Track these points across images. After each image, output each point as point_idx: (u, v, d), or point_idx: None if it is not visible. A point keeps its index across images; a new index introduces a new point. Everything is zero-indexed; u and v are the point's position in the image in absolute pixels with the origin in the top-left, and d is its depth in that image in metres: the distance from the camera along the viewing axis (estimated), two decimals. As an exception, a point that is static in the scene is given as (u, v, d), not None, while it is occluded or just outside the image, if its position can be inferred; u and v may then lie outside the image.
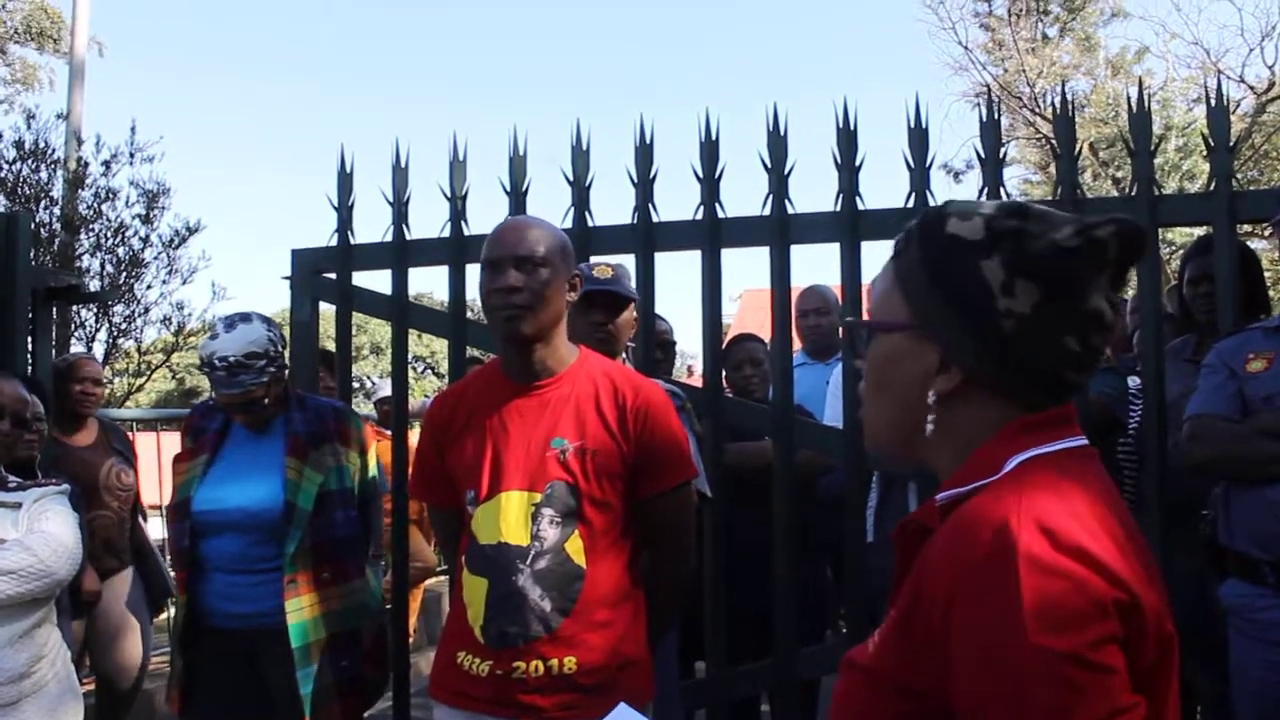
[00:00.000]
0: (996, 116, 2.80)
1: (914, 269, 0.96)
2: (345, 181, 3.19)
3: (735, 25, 67.42)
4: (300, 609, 2.39)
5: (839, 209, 2.76)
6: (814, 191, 2.78)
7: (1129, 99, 2.67)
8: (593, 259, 2.72)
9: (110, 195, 7.04)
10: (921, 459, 1.00)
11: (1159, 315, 2.62)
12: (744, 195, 2.92)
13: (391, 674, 2.85)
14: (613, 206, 2.95)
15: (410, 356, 4.39)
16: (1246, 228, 3.62)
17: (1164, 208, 2.64)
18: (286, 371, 2.58)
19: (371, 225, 3.14)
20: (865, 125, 2.75)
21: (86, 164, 7.07)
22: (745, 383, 3.43)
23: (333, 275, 3.21)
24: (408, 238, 3.13)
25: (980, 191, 2.74)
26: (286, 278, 3.26)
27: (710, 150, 2.86)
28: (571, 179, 2.97)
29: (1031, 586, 0.78)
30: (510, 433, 1.94)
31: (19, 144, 6.84)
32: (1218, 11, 41.61)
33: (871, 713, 0.89)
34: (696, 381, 3.33)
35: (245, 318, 2.47)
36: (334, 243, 3.19)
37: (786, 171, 2.81)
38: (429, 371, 30.84)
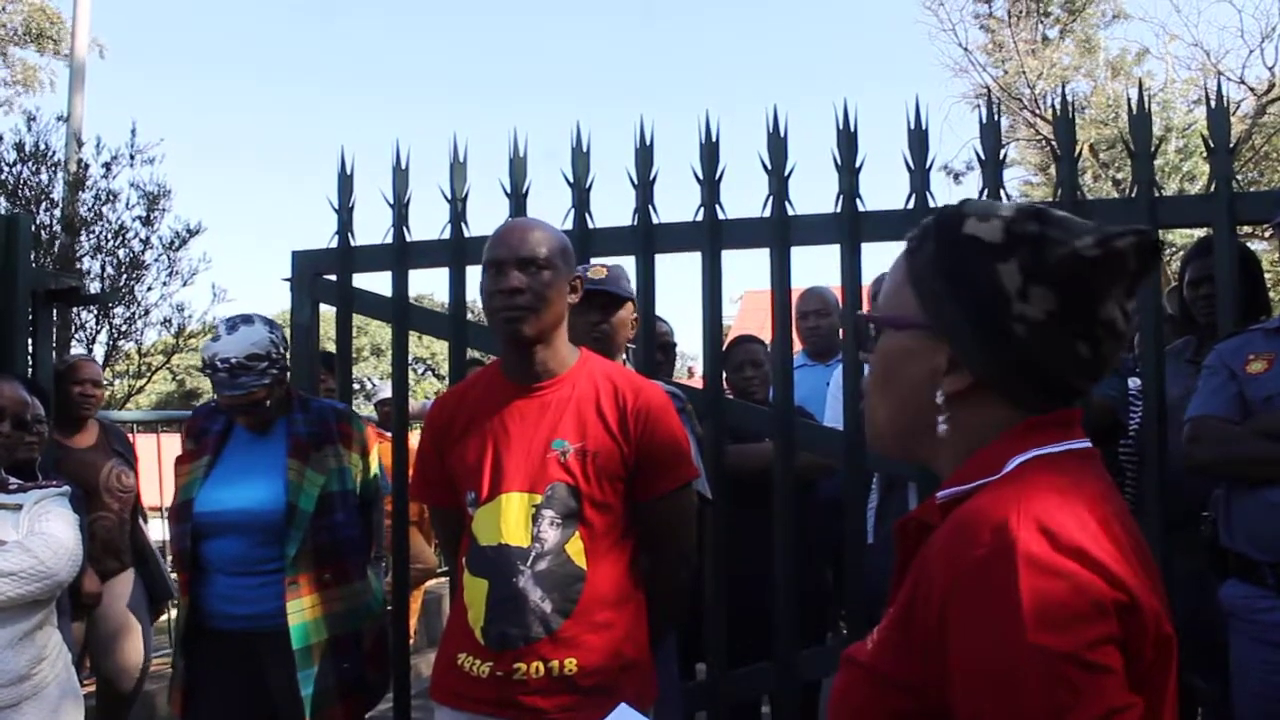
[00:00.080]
0: (996, 118, 2.80)
1: (928, 267, 0.96)
2: (345, 183, 3.19)
3: (735, 27, 67.49)
4: (302, 610, 2.40)
5: (839, 211, 2.76)
6: (814, 193, 2.79)
7: (1129, 101, 2.67)
8: (592, 260, 2.72)
9: (111, 197, 7.03)
10: (921, 457, 1.00)
11: (1159, 316, 2.62)
12: (744, 197, 2.93)
13: (392, 675, 2.85)
14: (613, 208, 2.96)
15: (410, 358, 4.40)
16: (1247, 229, 3.63)
17: (1164, 209, 2.64)
18: (288, 373, 2.58)
19: (372, 227, 3.14)
20: (865, 127, 2.76)
21: (87, 166, 7.06)
22: (746, 384, 3.43)
23: (333, 277, 3.21)
24: (408, 239, 3.13)
25: (980, 193, 2.74)
26: (287, 279, 3.26)
27: (710, 152, 2.86)
28: (571, 180, 2.97)
29: (1030, 586, 0.78)
30: (511, 434, 1.95)
31: (19, 146, 6.83)
32: (1218, 13, 41.73)
33: (870, 710, 0.89)
34: (697, 383, 3.34)
35: (247, 319, 2.48)
36: (334, 244, 3.19)
37: (787, 173, 2.81)
38: (429, 373, 30.84)
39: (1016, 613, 0.78)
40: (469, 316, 3.22)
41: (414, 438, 3.39)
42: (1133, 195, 2.67)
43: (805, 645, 2.84)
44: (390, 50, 67.54)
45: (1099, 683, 0.78)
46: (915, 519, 0.98)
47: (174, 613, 3.74)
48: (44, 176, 6.95)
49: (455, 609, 2.02)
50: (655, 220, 2.92)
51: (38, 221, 6.57)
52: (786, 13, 63.44)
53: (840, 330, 3.49)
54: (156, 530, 4.18)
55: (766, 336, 3.12)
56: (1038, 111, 14.86)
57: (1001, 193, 2.73)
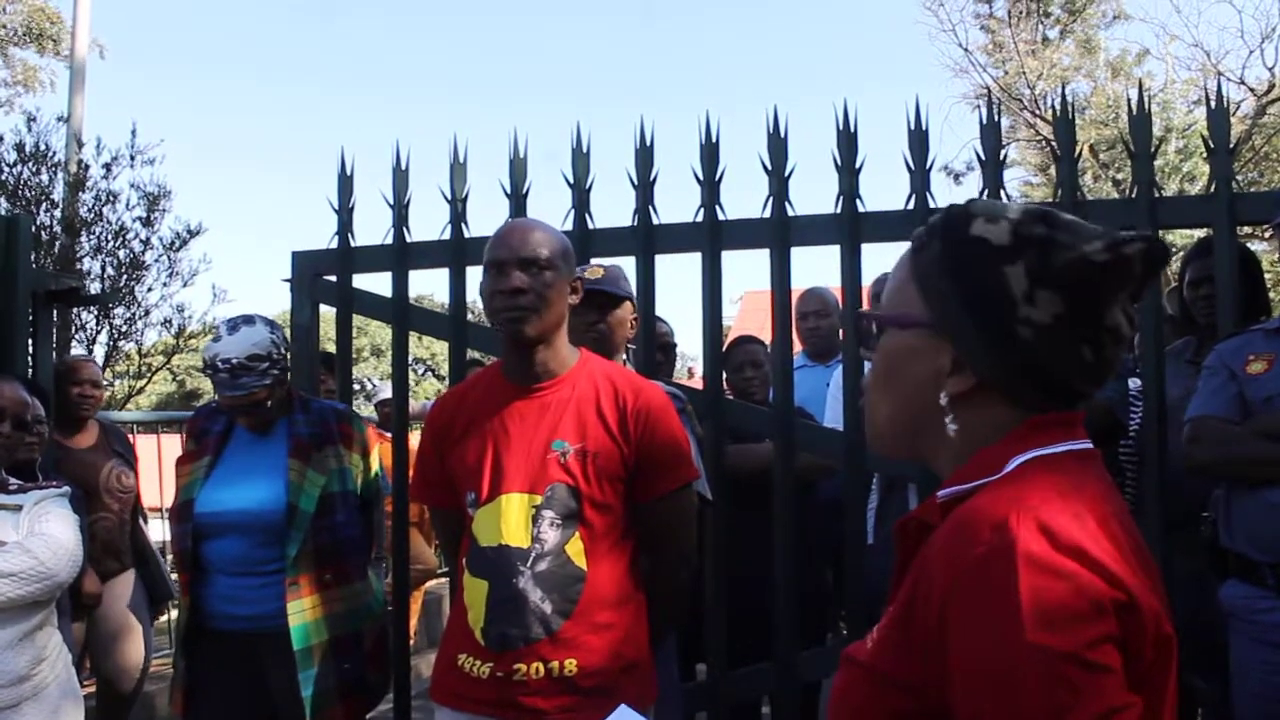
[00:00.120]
0: (997, 118, 2.80)
1: (933, 266, 0.95)
2: (345, 184, 3.19)
3: (735, 27, 67.50)
4: (302, 611, 2.40)
5: (839, 211, 2.76)
6: (814, 194, 2.79)
7: (1129, 101, 2.67)
8: (592, 260, 2.72)
9: (111, 198, 7.03)
10: (921, 455, 1.00)
11: (1159, 317, 2.62)
12: (744, 197, 2.93)
13: (392, 676, 2.85)
14: (613, 208, 2.96)
15: (410, 359, 4.39)
16: (1247, 230, 3.63)
17: (1164, 210, 2.64)
18: (289, 374, 2.58)
19: (372, 227, 3.14)
20: (865, 127, 2.75)
21: (87, 166, 7.06)
22: (746, 385, 3.43)
23: (333, 277, 3.22)
24: (408, 240, 3.13)
25: (980, 193, 2.74)
26: (287, 280, 3.26)
27: (710, 152, 2.86)
28: (571, 181, 2.97)
29: (1030, 585, 0.79)
30: (511, 435, 1.95)
31: (19, 147, 6.83)
32: (1218, 14, 41.70)
33: (869, 709, 0.89)
34: (697, 383, 3.33)
35: (248, 320, 2.48)
36: (334, 245, 3.19)
37: (787, 174, 2.81)
38: (429, 374, 30.84)
39: (1016, 612, 0.78)
40: (469, 317, 3.22)
41: (414, 438, 3.39)
42: (1133, 196, 2.67)
43: (805, 646, 2.84)
44: (390, 50, 67.63)
45: (1099, 682, 0.78)
46: (915, 518, 0.98)
47: (174, 613, 3.74)
48: (44, 177, 6.95)
49: (455, 610, 2.02)
50: (655, 221, 2.92)
51: (38, 222, 6.58)
52: (786, 13, 63.51)
53: (840, 331, 3.49)
54: (157, 530, 4.18)
55: (766, 337, 3.12)
56: (1038, 112, 14.85)
57: (1002, 193, 2.73)
